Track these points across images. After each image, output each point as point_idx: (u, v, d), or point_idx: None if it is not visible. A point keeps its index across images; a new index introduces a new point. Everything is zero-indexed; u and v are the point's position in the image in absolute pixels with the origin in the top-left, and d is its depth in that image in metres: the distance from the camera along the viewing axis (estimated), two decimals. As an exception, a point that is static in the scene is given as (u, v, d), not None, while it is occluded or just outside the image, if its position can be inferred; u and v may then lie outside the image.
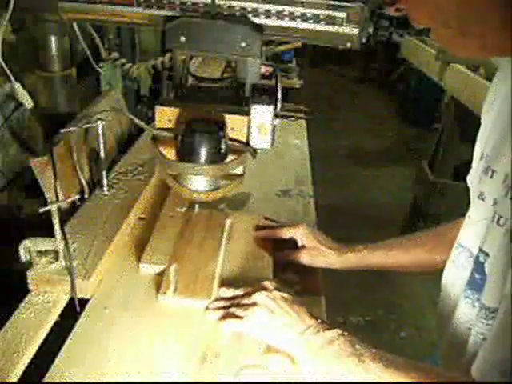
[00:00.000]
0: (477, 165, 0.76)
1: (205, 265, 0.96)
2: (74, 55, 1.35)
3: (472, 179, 0.78)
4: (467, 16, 0.59)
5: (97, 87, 1.76)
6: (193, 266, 0.96)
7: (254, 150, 0.94)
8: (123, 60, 1.44)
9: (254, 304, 0.81)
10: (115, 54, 1.44)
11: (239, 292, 0.89)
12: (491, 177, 0.68)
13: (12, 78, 1.22)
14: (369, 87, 6.30)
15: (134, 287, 0.95)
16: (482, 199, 0.71)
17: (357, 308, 2.50)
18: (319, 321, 0.77)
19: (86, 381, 0.76)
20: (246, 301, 0.83)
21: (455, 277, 0.80)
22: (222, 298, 0.89)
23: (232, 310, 0.84)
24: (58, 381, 0.75)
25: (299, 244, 1.04)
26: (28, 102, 1.28)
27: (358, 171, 4.05)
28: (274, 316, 0.78)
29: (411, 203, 3.05)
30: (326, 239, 1.04)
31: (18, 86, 1.24)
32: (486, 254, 0.67)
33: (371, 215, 3.26)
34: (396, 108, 5.52)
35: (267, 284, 0.86)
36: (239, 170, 0.99)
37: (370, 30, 0.91)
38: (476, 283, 0.71)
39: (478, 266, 0.70)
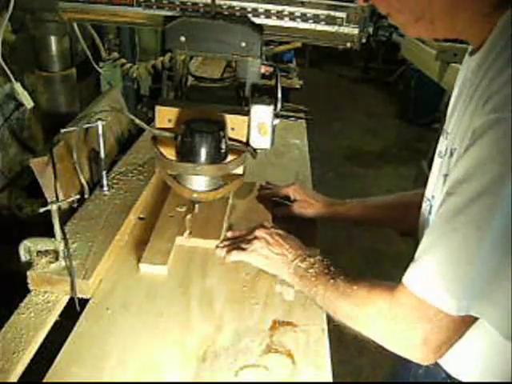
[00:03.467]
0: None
1: (214, 215, 1.11)
2: (73, 55, 1.35)
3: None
4: (417, 4, 0.70)
5: (97, 87, 1.76)
6: (204, 216, 1.11)
7: (254, 149, 0.94)
8: (123, 60, 1.44)
9: (255, 238, 0.97)
10: (115, 54, 1.44)
11: (243, 232, 1.05)
12: (446, 138, 0.79)
13: (12, 78, 1.22)
14: (369, 87, 6.29)
15: (134, 287, 0.95)
16: (440, 157, 0.82)
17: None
18: (307, 251, 0.92)
19: (86, 381, 0.76)
20: (248, 236, 1.00)
21: (421, 225, 0.89)
22: (229, 238, 1.06)
23: (236, 245, 1.01)
24: (58, 381, 0.75)
25: (292, 199, 1.20)
26: (28, 102, 1.28)
27: (358, 171, 4.05)
28: (271, 247, 0.94)
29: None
30: (315, 194, 1.20)
31: (17, 86, 1.25)
32: (433, 197, 0.81)
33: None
34: (396, 108, 5.52)
35: (265, 223, 1.04)
36: (239, 170, 0.99)
37: (370, 30, 0.91)
38: (429, 223, 0.81)
39: (430, 208, 0.82)
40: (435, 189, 0.80)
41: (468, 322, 0.66)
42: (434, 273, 0.65)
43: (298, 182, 1.26)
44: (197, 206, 1.07)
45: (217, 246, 1.04)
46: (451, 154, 0.71)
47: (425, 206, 0.86)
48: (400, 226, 1.10)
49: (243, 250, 0.98)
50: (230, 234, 1.07)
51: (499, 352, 0.72)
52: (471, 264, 0.61)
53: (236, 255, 0.98)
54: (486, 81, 0.63)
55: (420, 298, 0.66)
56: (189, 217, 1.10)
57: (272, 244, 0.95)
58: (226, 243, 1.04)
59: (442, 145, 0.81)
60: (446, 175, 0.73)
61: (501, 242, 0.59)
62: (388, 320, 0.70)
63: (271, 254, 0.94)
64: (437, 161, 0.83)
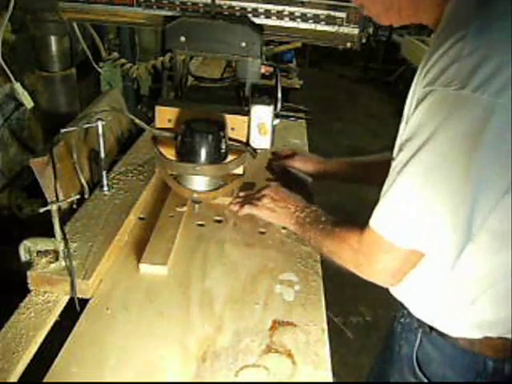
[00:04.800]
0: None
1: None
2: (74, 55, 1.35)
3: None
4: None
5: (97, 87, 1.76)
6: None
7: (254, 149, 0.94)
8: (123, 60, 1.44)
9: (263, 196, 1.11)
10: (115, 54, 1.44)
11: (252, 192, 1.18)
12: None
13: (12, 78, 1.22)
14: (369, 87, 6.29)
15: (134, 287, 0.95)
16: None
17: (357, 308, 2.51)
18: (306, 204, 1.05)
19: (86, 381, 0.76)
20: (257, 195, 1.13)
21: None
22: (241, 196, 1.19)
23: (246, 201, 1.15)
24: (58, 381, 0.75)
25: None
26: (28, 102, 1.28)
27: (358, 171, 4.04)
28: (276, 202, 1.08)
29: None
30: (311, 155, 1.40)
31: (18, 86, 1.25)
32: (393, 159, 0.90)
33: (371, 214, 3.26)
34: (396, 108, 5.51)
35: (272, 182, 1.21)
36: (239, 170, 0.99)
37: (370, 30, 0.91)
38: None
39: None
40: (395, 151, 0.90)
41: (417, 253, 0.77)
42: (387, 213, 0.78)
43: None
44: (197, 206, 1.07)
45: (230, 203, 1.17)
46: (406, 119, 0.81)
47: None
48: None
49: (253, 205, 1.11)
50: (241, 194, 1.20)
51: (438, 277, 0.84)
52: (411, 204, 0.74)
53: (247, 209, 1.12)
54: (427, 55, 0.73)
55: (378, 234, 0.79)
56: None
57: (277, 199, 1.08)
58: (238, 200, 1.17)
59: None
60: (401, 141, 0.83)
61: (431, 185, 0.72)
62: (357, 253, 0.84)
63: (276, 208, 1.07)
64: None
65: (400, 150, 0.76)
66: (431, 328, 0.90)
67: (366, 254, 0.83)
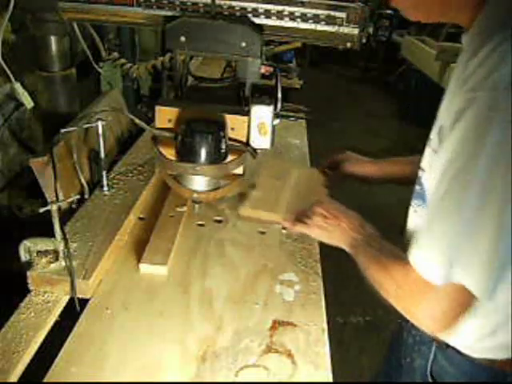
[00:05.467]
0: None
1: (275, 193, 1.18)
2: (74, 55, 1.35)
3: None
4: None
5: (97, 87, 1.76)
6: (265, 193, 1.18)
7: (254, 149, 0.94)
8: (123, 60, 1.44)
9: (314, 214, 1.02)
10: (115, 54, 1.44)
11: (306, 208, 1.08)
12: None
13: (12, 78, 1.22)
14: (369, 87, 6.29)
15: (134, 287, 0.95)
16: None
17: (357, 308, 2.50)
18: (361, 222, 0.97)
19: (86, 381, 0.76)
20: (309, 212, 1.04)
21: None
22: (294, 213, 1.11)
23: (299, 219, 1.07)
24: (58, 381, 0.75)
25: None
26: (28, 102, 1.28)
27: (358, 171, 4.04)
28: (328, 220, 1.00)
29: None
30: (364, 158, 1.30)
31: (18, 86, 1.25)
32: (423, 170, 0.86)
33: (371, 215, 3.26)
34: (396, 108, 5.52)
35: (324, 199, 1.11)
36: (239, 170, 0.99)
37: (370, 30, 0.91)
38: (417, 193, 0.89)
39: (418, 179, 0.88)
40: (423, 159, 0.87)
41: (464, 292, 0.69)
42: (425, 249, 0.72)
43: (348, 152, 1.34)
44: (197, 206, 1.07)
45: (284, 219, 1.12)
46: (439, 130, 0.77)
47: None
48: None
49: (304, 224, 1.05)
50: (292, 212, 1.13)
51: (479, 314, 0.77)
52: (450, 236, 0.68)
53: (299, 228, 1.06)
54: (464, 62, 0.70)
55: (417, 272, 0.73)
56: (253, 192, 1.19)
57: (329, 217, 1.01)
58: (292, 217, 1.11)
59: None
60: (434, 151, 0.79)
61: (475, 214, 0.66)
62: (400, 289, 0.77)
63: (329, 227, 1.00)
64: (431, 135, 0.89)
65: (441, 178, 0.70)
66: (447, 345, 0.87)
67: (408, 295, 0.76)
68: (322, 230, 1.01)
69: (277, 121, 0.94)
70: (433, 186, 0.76)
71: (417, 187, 0.89)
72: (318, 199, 1.09)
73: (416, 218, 0.90)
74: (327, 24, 0.89)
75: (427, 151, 0.85)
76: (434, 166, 0.78)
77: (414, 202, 0.91)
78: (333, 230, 0.99)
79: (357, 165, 1.26)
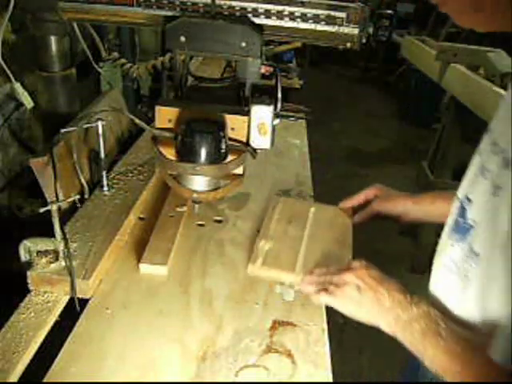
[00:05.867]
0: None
1: (290, 245, 1.06)
2: (74, 55, 1.35)
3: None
4: None
5: (97, 87, 1.76)
6: (279, 244, 1.05)
7: (254, 149, 0.94)
8: (123, 60, 1.44)
9: (345, 283, 0.85)
10: (115, 54, 1.44)
11: (331, 269, 0.93)
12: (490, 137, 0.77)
13: (12, 78, 1.22)
14: (369, 87, 6.29)
15: (134, 287, 0.95)
16: (479, 155, 0.80)
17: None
18: (408, 297, 0.79)
19: (86, 381, 0.76)
20: (336, 279, 0.88)
21: (447, 225, 0.86)
22: (316, 273, 0.95)
23: (323, 285, 0.89)
24: (58, 381, 0.75)
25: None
26: (28, 102, 1.28)
27: (358, 171, 4.04)
28: (364, 292, 0.82)
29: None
30: (398, 192, 1.14)
31: (18, 86, 1.24)
32: (470, 201, 0.77)
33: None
34: (396, 108, 5.52)
35: (356, 264, 0.89)
36: (239, 170, 0.99)
37: (370, 30, 0.91)
38: (458, 226, 0.79)
39: (463, 211, 0.78)
40: (472, 190, 0.78)
41: None
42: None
43: (376, 184, 1.17)
44: (197, 206, 1.07)
45: (302, 280, 0.96)
46: (506, 165, 0.68)
47: (456, 205, 0.84)
48: None
49: (332, 293, 0.86)
50: (317, 271, 0.95)
51: None
52: None
53: (324, 298, 0.87)
54: None
55: (502, 367, 0.64)
56: (262, 242, 1.05)
57: (364, 289, 0.82)
58: (312, 280, 0.94)
59: (484, 145, 0.78)
60: (497, 186, 0.70)
61: None
62: None
63: (364, 301, 0.82)
64: (476, 160, 0.80)
65: None
66: None
67: None
68: (354, 304, 0.83)
69: (277, 121, 0.94)
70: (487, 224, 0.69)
71: (459, 219, 0.79)
72: (348, 260, 0.94)
73: (452, 253, 0.81)
74: (327, 24, 0.89)
75: (478, 178, 0.76)
76: (487, 197, 0.71)
77: (452, 236, 0.81)
78: (370, 306, 0.81)
79: (391, 201, 1.11)
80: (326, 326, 0.90)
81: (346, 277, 0.86)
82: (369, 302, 0.81)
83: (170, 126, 0.93)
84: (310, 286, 0.93)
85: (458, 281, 0.78)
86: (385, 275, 0.85)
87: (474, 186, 0.77)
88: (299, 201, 1.28)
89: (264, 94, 0.92)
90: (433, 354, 0.72)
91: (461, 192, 0.82)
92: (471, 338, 0.72)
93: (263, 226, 1.12)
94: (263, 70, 0.95)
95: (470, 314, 0.76)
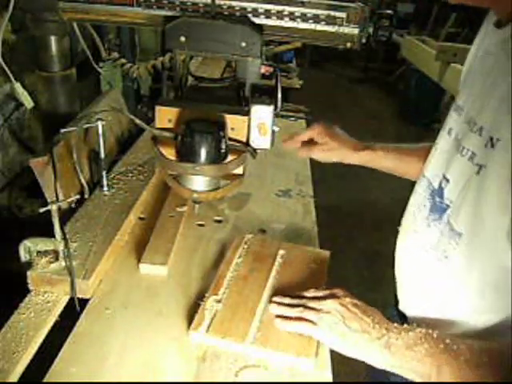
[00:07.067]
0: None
1: (246, 301, 0.89)
2: (74, 55, 1.35)
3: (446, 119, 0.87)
4: None
5: (97, 87, 1.76)
6: (233, 300, 0.89)
7: (254, 149, 0.94)
8: (123, 60, 1.44)
9: (327, 311, 0.77)
10: (115, 54, 1.44)
11: (308, 294, 0.84)
12: (460, 114, 0.78)
13: (12, 78, 1.22)
14: (369, 87, 6.29)
15: (134, 287, 0.95)
16: (449, 134, 0.81)
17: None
18: (396, 324, 0.75)
19: (86, 381, 0.76)
20: (314, 305, 0.79)
21: (415, 205, 0.87)
22: (289, 296, 0.85)
23: (300, 310, 0.80)
24: (58, 381, 0.75)
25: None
26: (28, 102, 1.28)
27: (358, 171, 4.03)
28: (348, 322, 0.75)
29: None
30: (342, 134, 1.10)
31: (18, 86, 1.24)
32: (447, 180, 0.76)
33: (371, 215, 3.26)
34: (396, 108, 5.52)
35: (337, 291, 0.82)
36: (239, 170, 0.99)
37: (370, 30, 0.91)
38: (436, 205, 0.79)
39: (440, 191, 0.78)
40: (449, 170, 0.77)
41: None
42: None
43: (321, 122, 1.12)
44: (197, 206, 1.07)
45: (271, 301, 0.85)
46: (492, 145, 0.67)
47: (424, 184, 0.84)
48: None
49: (310, 321, 0.78)
50: (287, 301, 0.85)
51: None
52: None
53: (303, 328, 0.78)
54: None
55: None
56: (212, 299, 0.88)
57: (348, 318, 0.75)
58: (285, 301, 0.84)
59: (456, 123, 0.79)
60: (480, 165, 0.69)
61: None
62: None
63: (349, 332, 0.74)
64: (445, 139, 0.81)
65: None
66: None
67: None
68: (338, 335, 0.75)
69: (277, 128, 0.94)
70: (475, 205, 0.68)
71: (436, 199, 0.79)
72: (331, 291, 0.82)
73: (430, 233, 0.80)
74: (327, 24, 0.89)
75: (453, 157, 0.76)
76: (466, 175, 0.71)
77: (429, 216, 0.81)
78: (355, 336, 0.74)
79: (328, 150, 1.07)
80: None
81: (328, 304, 0.78)
82: (353, 332, 0.74)
83: (170, 126, 0.93)
84: (281, 308, 0.83)
85: (434, 260, 0.78)
86: (366, 304, 0.79)
87: (450, 165, 0.77)
88: (268, 240, 1.09)
89: (264, 94, 0.91)
90: (451, 373, 0.66)
91: (430, 172, 0.83)
92: (489, 345, 0.68)
93: (216, 276, 0.95)
94: (263, 69, 0.95)
95: (449, 292, 0.77)
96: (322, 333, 0.77)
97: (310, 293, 0.84)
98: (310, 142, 1.11)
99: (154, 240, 1.05)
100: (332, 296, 0.80)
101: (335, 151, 1.07)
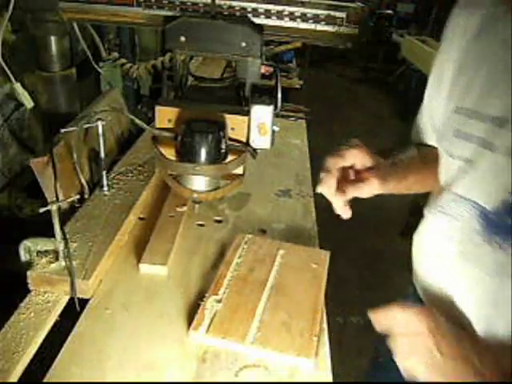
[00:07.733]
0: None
1: (246, 301, 0.88)
2: (74, 55, 1.35)
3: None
4: None
5: (97, 87, 1.76)
6: (233, 300, 0.89)
7: (254, 149, 0.94)
8: (123, 60, 1.44)
9: (414, 340, 0.68)
10: (115, 54, 1.45)
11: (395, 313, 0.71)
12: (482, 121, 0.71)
13: (12, 78, 1.22)
14: (369, 87, 6.30)
15: (134, 287, 0.95)
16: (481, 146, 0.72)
17: (357, 308, 2.51)
18: (487, 350, 0.67)
19: (86, 381, 0.76)
20: (405, 338, 0.68)
21: (451, 229, 0.78)
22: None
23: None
24: (58, 381, 0.75)
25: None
26: (28, 102, 1.28)
27: (358, 171, 4.04)
28: (442, 350, 0.65)
29: (411, 203, 3.06)
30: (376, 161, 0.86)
31: (17, 86, 1.25)
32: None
33: (371, 215, 3.25)
34: (396, 108, 5.52)
35: (425, 321, 0.68)
36: (239, 170, 0.99)
37: (370, 30, 0.91)
38: (505, 224, 0.67)
39: (508, 206, 0.66)
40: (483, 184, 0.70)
41: None
42: None
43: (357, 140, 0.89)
44: (197, 206, 1.07)
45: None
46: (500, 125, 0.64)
47: (453, 205, 0.77)
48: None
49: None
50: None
51: None
52: None
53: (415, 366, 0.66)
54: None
55: None
56: (211, 299, 0.88)
57: (441, 346, 0.65)
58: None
59: (478, 130, 0.71)
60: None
61: None
62: None
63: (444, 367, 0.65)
64: (462, 147, 0.74)
65: None
66: None
67: None
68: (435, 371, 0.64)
69: (277, 128, 0.94)
70: None
71: (505, 217, 0.68)
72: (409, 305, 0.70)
73: (502, 257, 0.68)
74: (327, 24, 0.89)
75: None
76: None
77: (497, 237, 0.69)
78: (451, 366, 0.64)
79: (358, 188, 0.85)
80: (325, 326, 0.90)
81: (422, 340, 0.66)
82: (451, 363, 0.64)
83: (170, 125, 0.93)
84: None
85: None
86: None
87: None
88: (267, 240, 1.08)
89: (264, 94, 0.92)
90: None
91: (472, 194, 0.73)
92: None
93: (216, 276, 0.95)
94: (263, 69, 0.95)
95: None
96: (410, 364, 0.68)
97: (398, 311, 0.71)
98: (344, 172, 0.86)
99: (153, 240, 1.05)
100: (415, 316, 0.69)
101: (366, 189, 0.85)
